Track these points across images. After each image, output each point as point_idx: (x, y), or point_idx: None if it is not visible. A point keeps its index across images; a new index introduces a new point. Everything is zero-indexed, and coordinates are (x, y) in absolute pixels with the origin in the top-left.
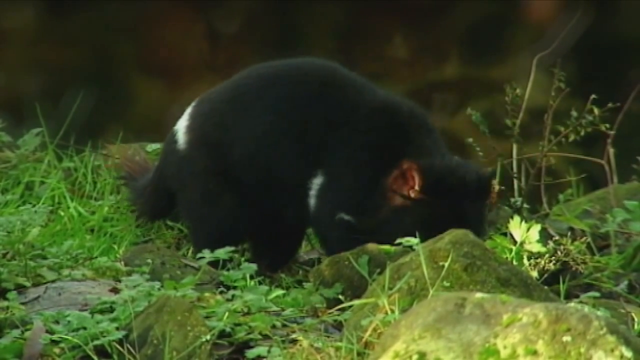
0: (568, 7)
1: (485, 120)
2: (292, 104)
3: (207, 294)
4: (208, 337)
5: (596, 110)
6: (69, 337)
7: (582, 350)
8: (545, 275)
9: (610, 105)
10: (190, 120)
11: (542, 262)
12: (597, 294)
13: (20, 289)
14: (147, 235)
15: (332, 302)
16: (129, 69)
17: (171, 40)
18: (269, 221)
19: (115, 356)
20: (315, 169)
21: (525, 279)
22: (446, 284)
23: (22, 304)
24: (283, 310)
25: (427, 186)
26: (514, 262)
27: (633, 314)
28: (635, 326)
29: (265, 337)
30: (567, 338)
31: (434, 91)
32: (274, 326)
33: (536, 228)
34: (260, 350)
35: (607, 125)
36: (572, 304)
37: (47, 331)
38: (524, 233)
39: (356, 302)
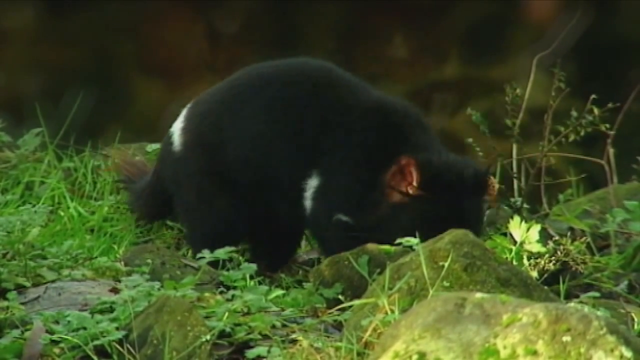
0: (568, 7)
1: (485, 120)
2: (286, 104)
3: (207, 294)
4: (208, 337)
5: (596, 110)
6: (69, 337)
7: (582, 350)
8: (545, 275)
9: (610, 105)
10: (186, 121)
11: (542, 262)
12: (597, 294)
13: (20, 289)
14: (147, 236)
15: (332, 302)
16: (129, 69)
17: (171, 40)
18: (265, 222)
19: (115, 356)
20: (310, 169)
21: (525, 279)
22: (446, 284)
23: (22, 304)
24: (283, 310)
25: (425, 182)
26: (514, 262)
27: (633, 314)
28: (635, 326)
29: (265, 337)
30: (567, 338)
31: (434, 91)
32: (273, 326)
33: (536, 228)
34: (260, 350)
35: (607, 125)
36: (572, 304)
37: (47, 331)
38: (524, 233)
39: (356, 302)
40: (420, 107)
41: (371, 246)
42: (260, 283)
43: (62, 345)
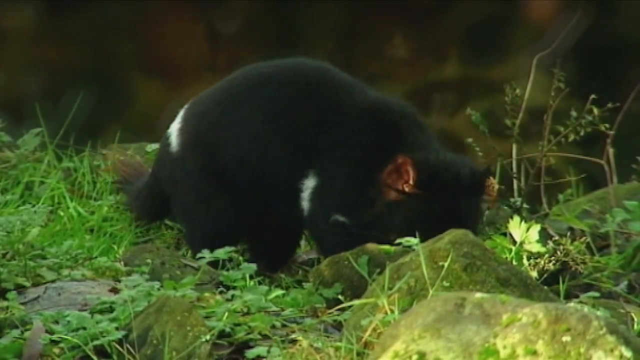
0: (568, 7)
1: (485, 120)
2: (283, 105)
3: (206, 294)
4: (208, 337)
5: (596, 110)
6: (69, 337)
7: (582, 350)
8: (545, 275)
9: (609, 105)
10: (183, 122)
11: (542, 262)
12: (596, 294)
13: (19, 289)
14: (147, 235)
15: (332, 302)
16: (128, 69)
17: (171, 40)
18: (264, 222)
19: (114, 356)
20: (307, 170)
21: (524, 279)
22: (446, 284)
23: (22, 304)
24: (283, 310)
25: (421, 181)
26: (514, 262)
27: (633, 314)
28: (635, 326)
29: (265, 337)
30: (566, 338)
31: (433, 91)
32: (273, 326)
33: (536, 228)
34: (260, 350)
35: (607, 125)
36: (571, 304)
37: (46, 331)
38: (524, 233)
39: (356, 302)
40: (420, 107)
41: (371, 246)
42: (260, 283)
43: (61, 345)
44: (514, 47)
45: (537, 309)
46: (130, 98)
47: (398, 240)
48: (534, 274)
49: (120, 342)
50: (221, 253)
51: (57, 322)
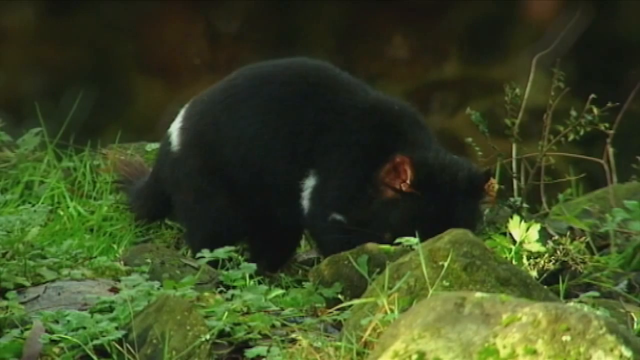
0: (568, 7)
1: (485, 120)
2: (283, 104)
3: (206, 294)
4: (207, 336)
5: (595, 110)
6: (69, 337)
7: (582, 349)
8: (545, 275)
9: (609, 104)
10: (184, 121)
11: (542, 262)
12: (596, 294)
13: (19, 288)
14: (147, 235)
15: (332, 302)
16: (128, 69)
17: (171, 40)
18: (263, 221)
19: (114, 356)
20: (307, 169)
21: (524, 279)
22: (446, 283)
23: (22, 303)
24: (282, 309)
25: (418, 180)
26: (514, 262)
27: (632, 314)
28: (635, 326)
29: (265, 336)
30: (566, 338)
31: (433, 91)
32: (273, 326)
33: (536, 228)
34: (260, 349)
35: (607, 125)
36: (571, 304)
37: (46, 331)
38: (524, 233)
39: (356, 301)
40: (420, 107)
41: (371, 246)
42: (259, 282)
43: (61, 344)
44: (513, 47)
45: (537, 309)
46: (130, 98)
47: (398, 240)
48: (534, 273)
49: (120, 341)
50: (221, 253)
51: (57, 322)
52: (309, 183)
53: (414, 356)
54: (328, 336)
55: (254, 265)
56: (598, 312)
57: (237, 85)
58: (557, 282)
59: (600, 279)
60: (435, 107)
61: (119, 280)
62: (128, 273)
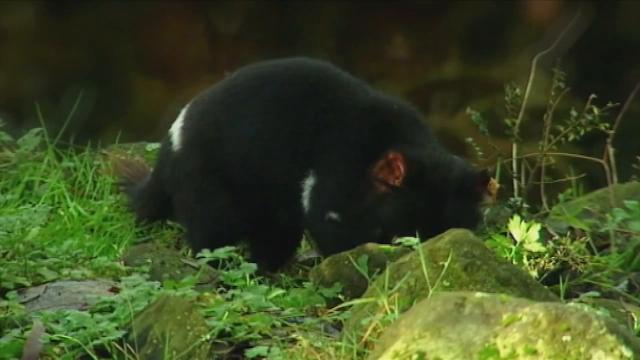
0: (568, 7)
1: (485, 120)
2: (283, 104)
3: (206, 294)
4: (208, 336)
5: (596, 110)
6: (69, 337)
7: (582, 349)
8: (545, 275)
9: (609, 104)
10: (185, 121)
11: (542, 262)
12: (596, 294)
13: (20, 288)
14: (147, 235)
15: (332, 302)
16: (128, 69)
17: (171, 40)
18: (264, 221)
19: (115, 356)
20: (307, 170)
21: (525, 279)
22: (446, 283)
23: (22, 303)
24: (283, 309)
25: (410, 177)
26: (514, 262)
27: (633, 314)
28: (635, 326)
29: (265, 336)
30: (566, 338)
31: (433, 91)
32: (273, 326)
33: (536, 228)
34: (260, 349)
35: (607, 125)
36: (571, 304)
37: (46, 331)
38: (524, 233)
39: (356, 301)
40: (420, 107)
41: (371, 246)
42: (260, 282)
43: (62, 344)
44: (514, 47)
45: (537, 309)
46: (130, 98)
47: (398, 240)
48: (534, 273)
49: (120, 341)
50: (221, 252)
51: (57, 322)
52: (309, 183)
53: (415, 356)
54: (328, 336)
55: (254, 265)
56: (598, 312)
57: (237, 85)
58: (557, 282)
59: (601, 279)
60: (436, 107)
61: (119, 280)
62: (128, 273)
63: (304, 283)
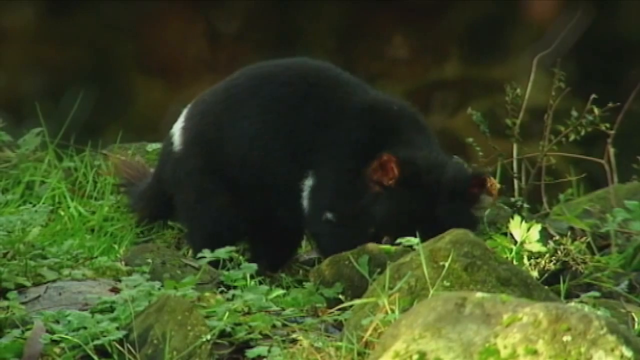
0: (568, 7)
1: (486, 120)
2: (283, 104)
3: (207, 294)
4: (208, 336)
5: (596, 110)
6: (69, 337)
7: (583, 349)
8: (546, 275)
9: (610, 104)
10: (185, 121)
11: (543, 262)
12: (597, 294)
13: (20, 288)
14: (148, 235)
15: (333, 302)
16: (128, 69)
17: (171, 40)
18: (264, 221)
19: (115, 356)
20: (306, 170)
21: (525, 279)
22: (446, 283)
23: (23, 303)
24: (283, 310)
25: (403, 179)
26: (514, 262)
27: (633, 314)
28: (636, 326)
29: (266, 336)
30: (567, 338)
31: (434, 91)
32: (274, 326)
33: (536, 228)
34: (261, 350)
35: (607, 125)
36: (572, 304)
37: (47, 331)
38: (524, 233)
39: (356, 301)
40: (420, 107)
41: (371, 246)
42: (260, 283)
43: (62, 344)
44: (514, 47)
45: (537, 309)
46: (131, 98)
47: (398, 240)
48: (535, 273)
49: (120, 341)
50: (222, 253)
51: (57, 322)
52: (308, 183)
53: (415, 356)
54: (329, 336)
55: (254, 266)
56: (599, 312)
57: (238, 85)
58: (557, 282)
59: (601, 279)
60: (436, 107)
61: (120, 281)
62: (129, 273)
63: (304, 283)
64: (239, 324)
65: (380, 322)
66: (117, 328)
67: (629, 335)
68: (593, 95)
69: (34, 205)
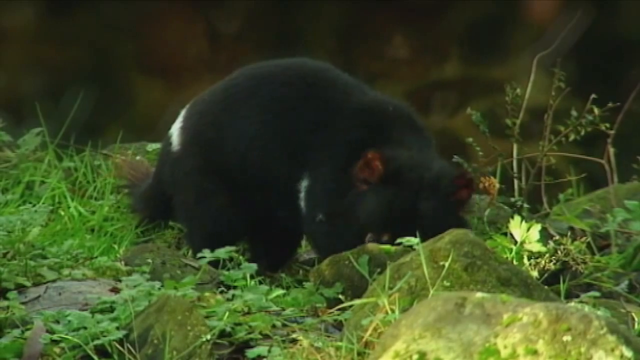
0: (568, 7)
1: (486, 120)
2: (280, 105)
3: (207, 294)
4: (208, 336)
5: (596, 110)
6: (69, 337)
7: (583, 349)
8: (546, 275)
9: (610, 104)
10: (184, 121)
11: (543, 262)
12: (597, 294)
13: (20, 288)
14: (147, 235)
15: (333, 302)
16: (128, 69)
17: (171, 40)
18: (264, 221)
19: (115, 356)
20: (303, 170)
21: (525, 279)
22: (446, 283)
23: (23, 303)
24: (283, 310)
25: (386, 176)
26: (515, 262)
27: (633, 314)
28: (636, 326)
29: (266, 336)
30: (567, 338)
31: (434, 91)
32: (274, 326)
33: (536, 228)
34: (261, 349)
35: (607, 125)
36: (572, 304)
37: (47, 331)
38: (525, 233)
39: (356, 301)
40: (420, 107)
41: (371, 246)
42: (260, 283)
43: (62, 344)
44: (514, 47)
45: (537, 309)
46: (131, 98)
47: (399, 240)
48: (535, 273)
49: (120, 341)
50: (222, 253)
51: (57, 322)
52: (304, 184)
53: (415, 356)
54: (329, 336)
55: (254, 266)
56: (599, 312)
57: (237, 85)
58: (557, 282)
59: (601, 279)
60: (436, 107)
61: (120, 280)
62: (129, 273)
63: (304, 283)
64: (239, 324)
65: (380, 322)
66: (117, 328)
67: (629, 335)
68: (593, 95)
69: (34, 205)
